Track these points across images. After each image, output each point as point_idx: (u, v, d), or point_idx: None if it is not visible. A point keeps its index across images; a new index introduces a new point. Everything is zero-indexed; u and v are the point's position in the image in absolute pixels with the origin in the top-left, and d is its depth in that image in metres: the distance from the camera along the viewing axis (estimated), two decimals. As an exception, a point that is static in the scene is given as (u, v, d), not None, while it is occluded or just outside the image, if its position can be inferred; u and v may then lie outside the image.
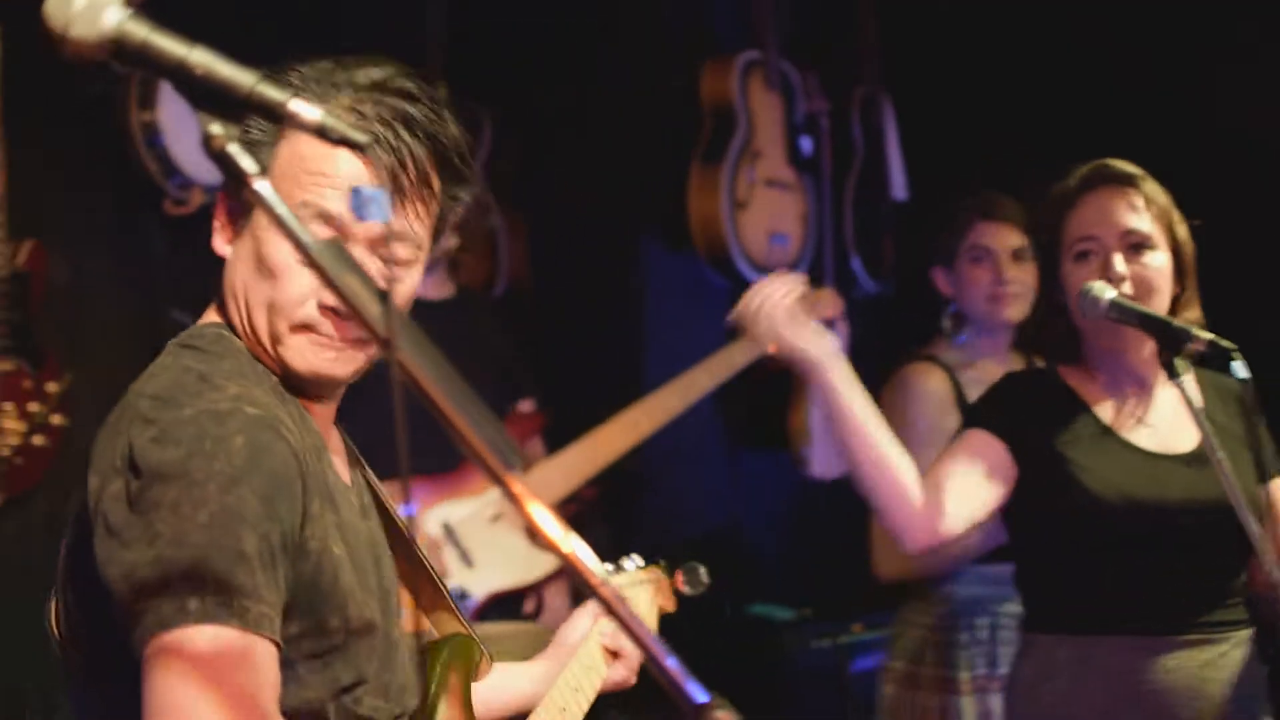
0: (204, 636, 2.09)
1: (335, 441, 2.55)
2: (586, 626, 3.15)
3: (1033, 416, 3.88)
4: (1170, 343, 3.61)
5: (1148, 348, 3.80)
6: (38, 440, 5.55)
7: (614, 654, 3.13)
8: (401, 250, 2.40)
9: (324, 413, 2.50)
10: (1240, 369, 3.54)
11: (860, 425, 3.85)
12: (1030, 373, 4.27)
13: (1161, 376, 3.83)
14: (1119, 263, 3.77)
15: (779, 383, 7.26)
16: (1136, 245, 3.79)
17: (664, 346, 7.11)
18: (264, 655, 2.13)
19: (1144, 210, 3.81)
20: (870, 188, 7.68)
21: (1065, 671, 3.77)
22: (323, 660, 2.30)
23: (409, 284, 2.44)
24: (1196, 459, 3.77)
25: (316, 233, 2.29)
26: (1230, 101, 6.44)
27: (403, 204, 2.37)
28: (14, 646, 5.80)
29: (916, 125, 7.71)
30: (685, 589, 3.51)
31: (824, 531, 7.72)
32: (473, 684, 2.75)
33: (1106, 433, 3.84)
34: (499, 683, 2.94)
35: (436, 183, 2.42)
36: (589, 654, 3.09)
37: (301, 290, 2.34)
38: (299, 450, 2.26)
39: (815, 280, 7.03)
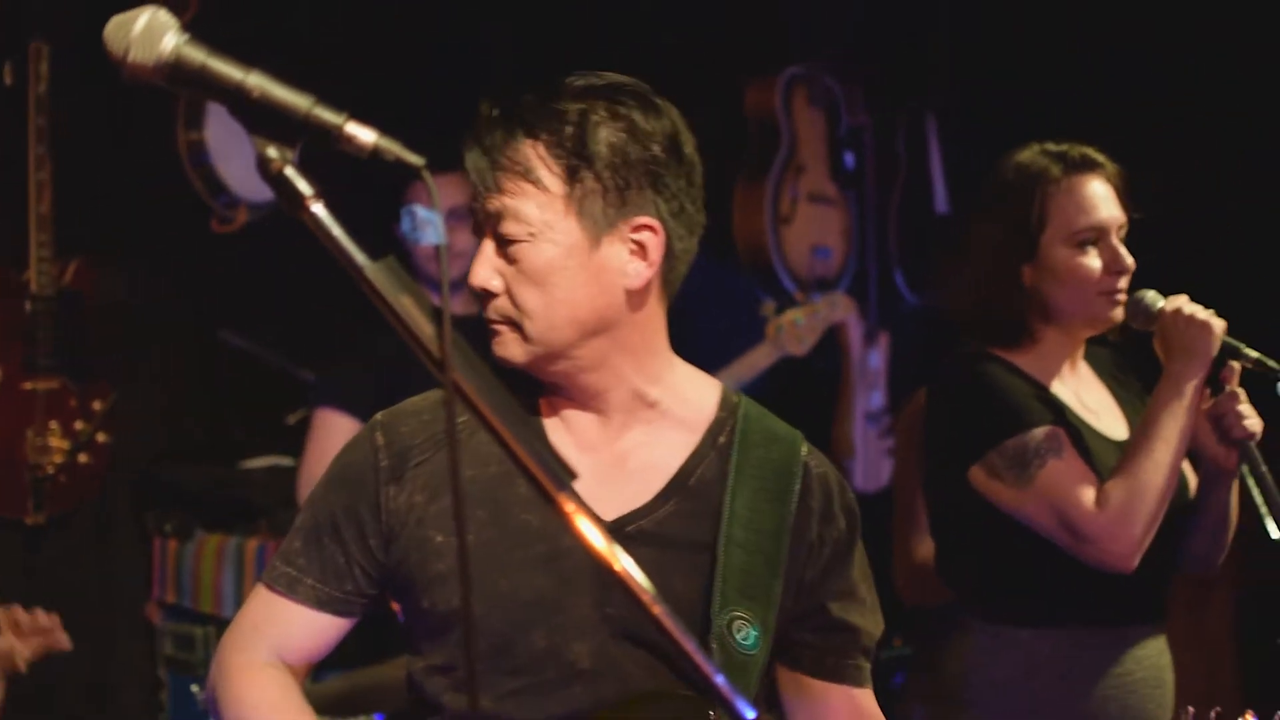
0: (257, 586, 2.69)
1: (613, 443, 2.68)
2: None
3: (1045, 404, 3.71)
4: (1228, 357, 3.57)
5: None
6: (82, 458, 5.57)
7: None
8: (511, 227, 2.46)
9: (558, 403, 2.63)
10: None
11: None
12: (992, 359, 3.80)
13: (1084, 364, 3.84)
14: (1125, 252, 3.70)
15: (822, 394, 7.27)
16: (1121, 234, 3.74)
17: (703, 358, 7.12)
18: (272, 604, 2.63)
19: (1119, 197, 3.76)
20: (914, 202, 7.66)
21: (1050, 667, 3.67)
22: (432, 639, 2.58)
23: (529, 259, 2.48)
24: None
25: None
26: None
27: (496, 186, 2.47)
28: (66, 659, 5.84)
29: (959, 139, 7.70)
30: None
31: (864, 545, 7.69)
32: None
33: (1077, 420, 3.70)
34: None
35: (545, 163, 2.48)
36: None
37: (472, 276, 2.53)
38: (387, 447, 2.58)
39: (858, 294, 7.10)
